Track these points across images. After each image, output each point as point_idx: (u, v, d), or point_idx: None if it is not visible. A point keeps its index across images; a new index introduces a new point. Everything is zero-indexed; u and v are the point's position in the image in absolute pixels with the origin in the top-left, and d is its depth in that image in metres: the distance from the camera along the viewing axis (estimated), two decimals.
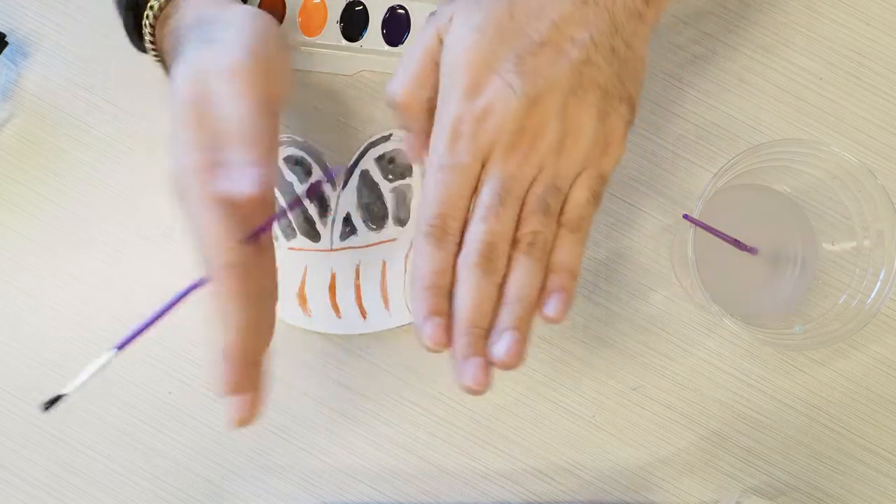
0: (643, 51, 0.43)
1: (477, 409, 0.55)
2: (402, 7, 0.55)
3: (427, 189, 0.41)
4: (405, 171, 0.55)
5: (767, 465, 0.55)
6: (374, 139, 0.56)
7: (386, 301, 0.54)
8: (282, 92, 0.44)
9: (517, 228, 0.41)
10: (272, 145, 0.41)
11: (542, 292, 0.41)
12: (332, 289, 0.54)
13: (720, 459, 0.55)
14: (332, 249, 0.55)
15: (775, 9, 0.57)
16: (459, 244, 0.41)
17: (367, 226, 0.55)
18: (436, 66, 0.42)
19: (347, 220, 0.55)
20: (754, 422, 0.55)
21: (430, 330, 0.40)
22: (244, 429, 0.41)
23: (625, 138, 0.43)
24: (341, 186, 0.55)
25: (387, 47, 0.55)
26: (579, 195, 0.42)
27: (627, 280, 0.55)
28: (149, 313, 0.43)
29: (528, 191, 0.41)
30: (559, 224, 0.42)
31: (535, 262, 0.40)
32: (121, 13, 0.49)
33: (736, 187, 0.53)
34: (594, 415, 0.55)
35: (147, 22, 0.47)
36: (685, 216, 0.48)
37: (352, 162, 0.55)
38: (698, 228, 0.48)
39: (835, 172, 0.51)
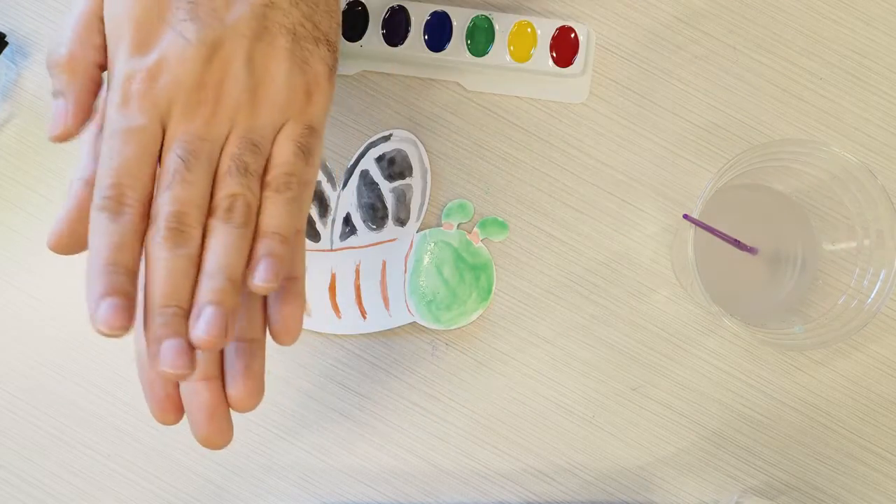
0: None
1: (477, 410, 0.55)
2: (402, 7, 0.55)
3: (101, 159, 0.36)
4: (405, 171, 0.55)
5: (767, 465, 0.55)
6: (374, 139, 0.56)
7: (386, 301, 0.54)
8: None
9: (213, 195, 0.36)
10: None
11: (249, 262, 0.36)
12: (332, 289, 0.54)
13: (720, 459, 0.55)
14: (332, 249, 0.55)
15: (775, 9, 0.57)
16: (145, 220, 0.36)
17: (367, 226, 0.55)
18: (101, 23, 0.37)
19: (347, 220, 0.55)
20: (754, 422, 0.55)
21: (105, 312, 0.33)
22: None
23: (330, 82, 0.39)
24: (341, 186, 0.55)
25: (387, 47, 0.55)
26: (284, 150, 0.37)
27: (627, 280, 0.55)
28: None
29: (221, 152, 0.36)
30: (264, 185, 0.37)
31: (236, 228, 0.36)
32: None
33: (736, 187, 0.54)
34: (594, 415, 0.55)
35: None
36: (685, 216, 0.48)
37: (352, 162, 0.55)
38: (698, 228, 0.48)
39: (835, 172, 0.51)
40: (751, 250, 0.53)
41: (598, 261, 0.55)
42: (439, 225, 0.55)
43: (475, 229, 0.55)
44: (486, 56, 0.55)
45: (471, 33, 0.55)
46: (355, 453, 0.54)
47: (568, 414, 0.55)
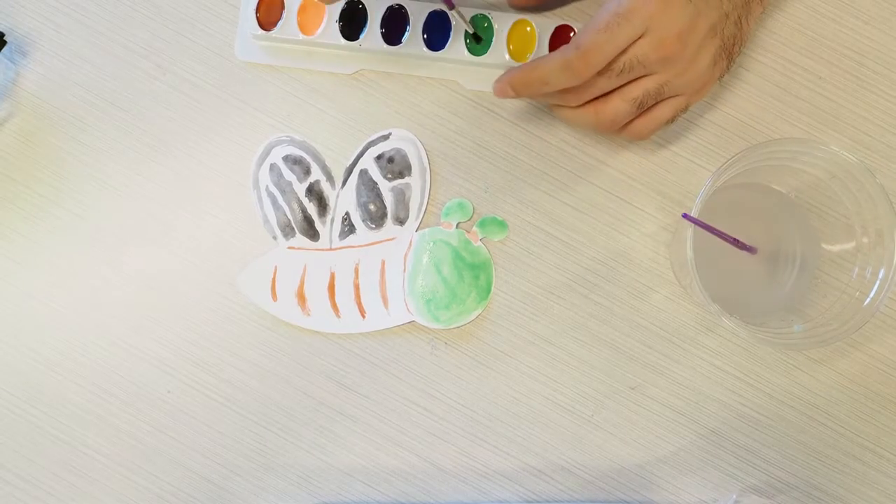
0: (752, 26, 0.52)
1: (477, 409, 0.55)
2: (401, 6, 0.55)
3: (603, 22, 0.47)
4: (404, 171, 0.55)
5: (766, 464, 0.55)
6: (373, 138, 0.56)
7: (385, 300, 0.54)
8: None
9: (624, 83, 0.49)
10: None
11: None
12: (331, 288, 0.54)
13: (719, 458, 0.55)
14: (331, 248, 0.55)
15: (775, 9, 0.57)
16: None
17: (367, 225, 0.55)
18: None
19: (346, 219, 0.55)
20: (753, 421, 0.55)
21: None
22: None
23: (712, 86, 0.51)
24: (340, 185, 0.55)
25: (386, 46, 0.55)
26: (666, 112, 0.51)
27: (627, 280, 0.55)
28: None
29: (643, 75, 0.49)
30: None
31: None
32: None
33: (735, 187, 0.53)
34: (594, 414, 0.55)
35: None
36: (685, 215, 0.48)
37: (351, 161, 0.55)
38: (698, 228, 0.48)
39: (834, 172, 0.51)
40: (750, 250, 0.53)
41: (598, 260, 0.55)
42: (438, 224, 0.55)
43: (474, 228, 0.55)
44: (486, 55, 0.55)
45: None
46: (355, 453, 0.54)
47: (567, 413, 0.55)
